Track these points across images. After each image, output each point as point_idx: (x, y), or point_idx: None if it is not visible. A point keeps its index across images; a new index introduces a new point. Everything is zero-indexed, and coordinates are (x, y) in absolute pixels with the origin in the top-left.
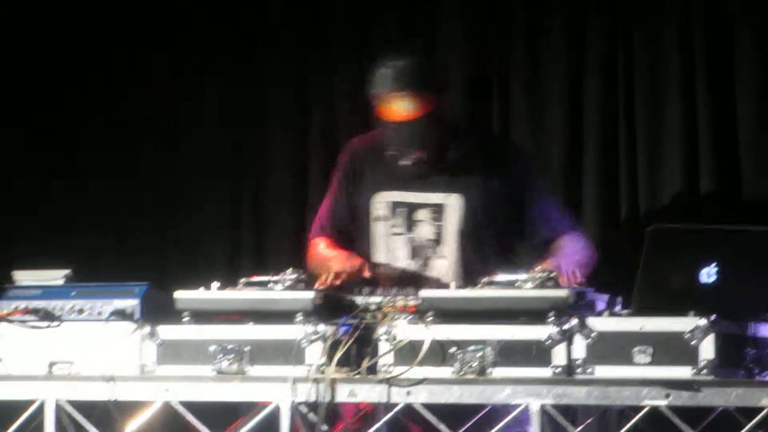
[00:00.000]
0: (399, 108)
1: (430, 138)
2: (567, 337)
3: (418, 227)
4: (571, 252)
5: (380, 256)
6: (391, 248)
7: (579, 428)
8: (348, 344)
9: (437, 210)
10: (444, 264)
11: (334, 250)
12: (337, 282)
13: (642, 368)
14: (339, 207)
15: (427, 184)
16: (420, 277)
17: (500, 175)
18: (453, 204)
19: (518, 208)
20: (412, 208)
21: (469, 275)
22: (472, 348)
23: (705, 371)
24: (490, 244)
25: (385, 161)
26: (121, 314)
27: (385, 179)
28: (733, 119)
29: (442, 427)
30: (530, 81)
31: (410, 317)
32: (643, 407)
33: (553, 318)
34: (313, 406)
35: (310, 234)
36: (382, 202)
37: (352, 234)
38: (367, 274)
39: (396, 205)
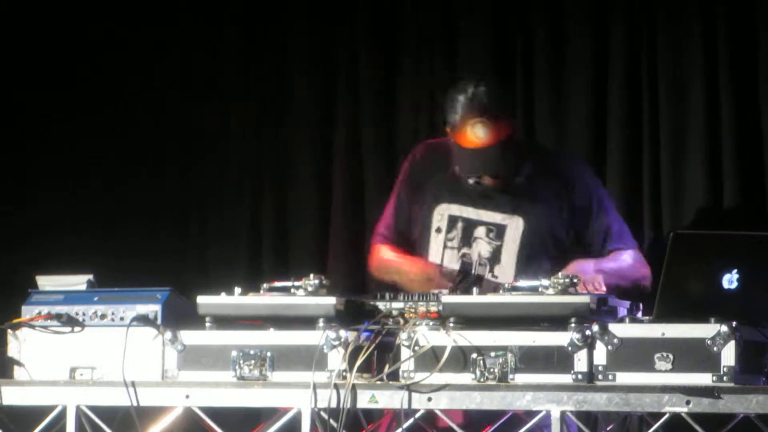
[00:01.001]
0: (475, 135)
1: (505, 164)
2: (588, 343)
3: (475, 244)
4: (608, 263)
5: None
6: (443, 261)
7: None
8: (369, 350)
9: (497, 230)
10: (496, 283)
11: (404, 257)
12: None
13: (663, 375)
14: (402, 213)
15: (490, 202)
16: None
17: (563, 195)
18: (515, 226)
19: (580, 226)
20: (471, 224)
21: None
22: (493, 354)
23: (726, 378)
24: (548, 264)
25: (448, 173)
26: (143, 319)
27: (447, 191)
28: (758, 124)
29: None
30: (553, 84)
31: (432, 323)
32: (663, 414)
33: (574, 324)
34: (335, 413)
35: (373, 240)
36: (441, 214)
37: (413, 241)
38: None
39: (454, 219)
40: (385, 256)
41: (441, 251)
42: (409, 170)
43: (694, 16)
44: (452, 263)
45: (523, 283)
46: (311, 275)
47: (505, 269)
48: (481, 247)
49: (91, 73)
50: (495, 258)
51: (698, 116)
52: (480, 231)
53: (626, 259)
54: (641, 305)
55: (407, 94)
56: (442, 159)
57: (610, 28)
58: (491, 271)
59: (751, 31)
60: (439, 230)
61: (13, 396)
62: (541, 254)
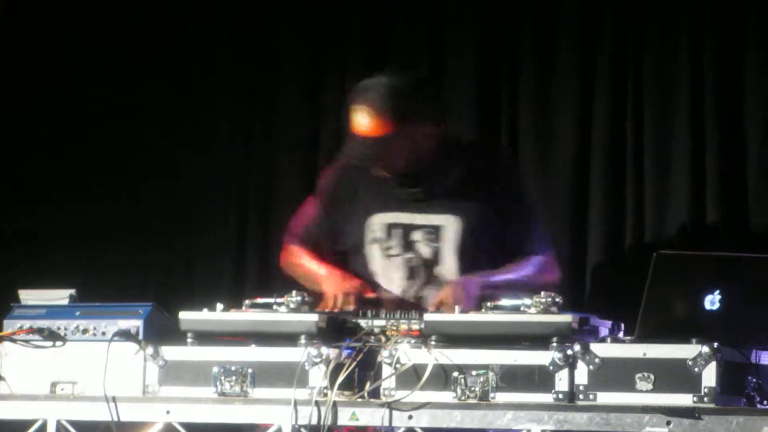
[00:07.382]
0: (358, 121)
1: (390, 158)
2: (569, 362)
3: (414, 248)
4: (499, 276)
5: (377, 278)
6: (387, 270)
7: None
8: (351, 367)
9: (434, 231)
10: (441, 284)
11: (324, 267)
12: (350, 306)
13: (644, 395)
14: (316, 227)
15: (423, 206)
16: (416, 300)
17: (494, 193)
18: (450, 225)
19: (506, 225)
20: (408, 229)
21: None
22: (474, 372)
23: (707, 399)
24: (485, 262)
25: (379, 183)
26: (124, 334)
27: (380, 201)
28: (743, 147)
29: None
30: (538, 106)
31: (413, 341)
32: None
33: (556, 343)
34: (315, 429)
35: (287, 238)
36: (377, 224)
37: (330, 252)
38: (370, 294)
39: (391, 226)
40: (302, 260)
41: (381, 260)
42: (331, 185)
43: (679, 45)
44: (397, 271)
45: (505, 301)
46: (293, 292)
47: (447, 269)
48: (422, 249)
49: (75, 94)
50: (435, 259)
51: (682, 137)
52: (417, 234)
53: (530, 267)
54: (623, 325)
55: None
56: (367, 171)
57: (595, 58)
58: (433, 272)
59: (738, 54)
60: (375, 240)
61: None
62: (480, 252)
